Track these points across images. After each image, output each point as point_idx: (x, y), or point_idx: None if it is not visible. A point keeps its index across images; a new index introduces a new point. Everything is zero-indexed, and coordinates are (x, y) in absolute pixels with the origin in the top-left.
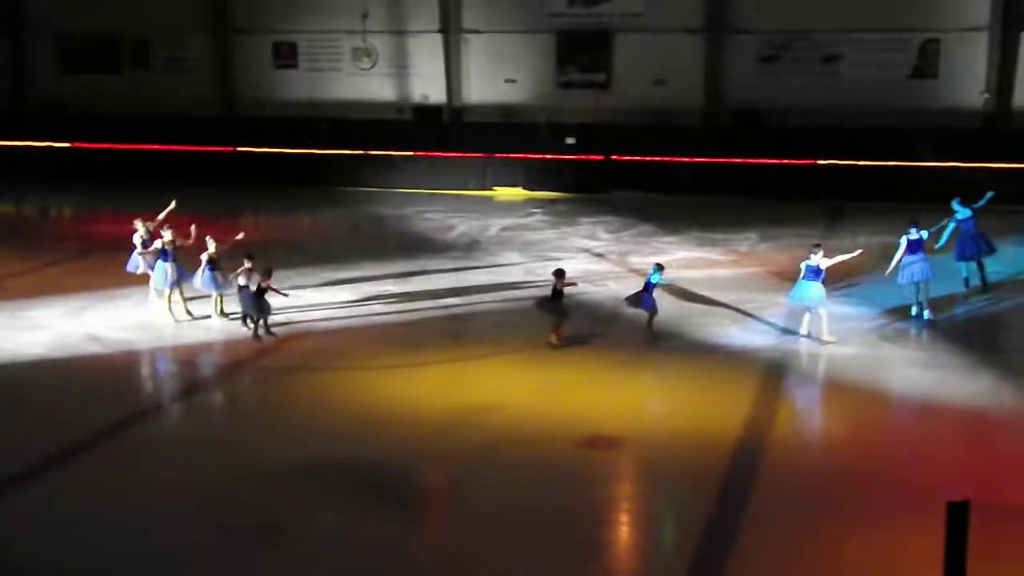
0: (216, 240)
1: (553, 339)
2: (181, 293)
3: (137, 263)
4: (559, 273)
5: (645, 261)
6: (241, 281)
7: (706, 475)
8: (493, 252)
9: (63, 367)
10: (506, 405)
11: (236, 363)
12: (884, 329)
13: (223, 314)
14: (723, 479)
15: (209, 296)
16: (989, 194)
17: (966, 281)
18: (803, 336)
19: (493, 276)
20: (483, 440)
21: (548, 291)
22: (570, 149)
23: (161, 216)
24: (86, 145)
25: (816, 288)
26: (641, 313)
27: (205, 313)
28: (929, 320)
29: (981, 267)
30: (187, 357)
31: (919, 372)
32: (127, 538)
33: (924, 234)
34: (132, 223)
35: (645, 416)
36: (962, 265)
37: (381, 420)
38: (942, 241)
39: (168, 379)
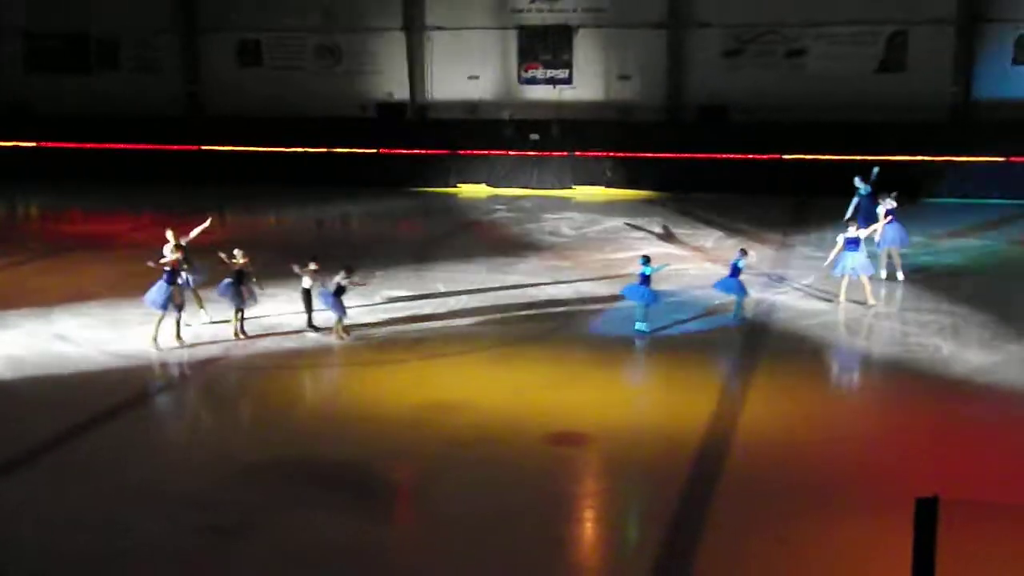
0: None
1: None
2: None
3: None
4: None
5: (610, 258)
6: (306, 283)
7: (672, 471)
8: (458, 250)
9: (30, 366)
10: (478, 402)
11: (203, 363)
12: (851, 322)
13: (241, 333)
14: (690, 475)
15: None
16: (875, 169)
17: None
18: (843, 301)
19: (461, 274)
20: (452, 437)
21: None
22: (534, 145)
23: (194, 232)
24: (53, 144)
25: (858, 257)
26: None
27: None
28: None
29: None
30: (157, 357)
31: (890, 365)
32: (94, 537)
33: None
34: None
35: (613, 413)
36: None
37: (350, 418)
38: (848, 214)
39: (136, 378)
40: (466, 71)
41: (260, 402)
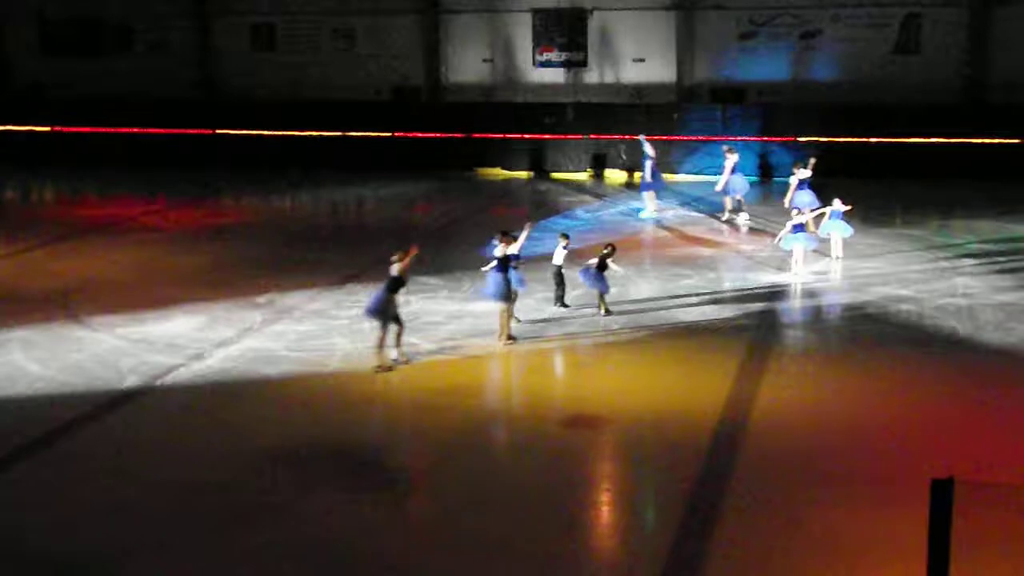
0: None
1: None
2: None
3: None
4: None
5: (625, 241)
6: (558, 260)
7: (689, 455)
8: (476, 233)
9: (43, 350)
10: (494, 387)
11: (220, 344)
12: (868, 306)
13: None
14: (707, 458)
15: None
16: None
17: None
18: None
19: (475, 258)
20: (464, 421)
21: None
22: (548, 128)
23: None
24: (67, 129)
25: (841, 224)
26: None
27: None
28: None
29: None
30: (172, 336)
31: (908, 349)
32: (112, 527)
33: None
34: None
35: (629, 397)
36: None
37: (367, 401)
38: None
39: (151, 356)
40: (481, 54)
41: (273, 387)
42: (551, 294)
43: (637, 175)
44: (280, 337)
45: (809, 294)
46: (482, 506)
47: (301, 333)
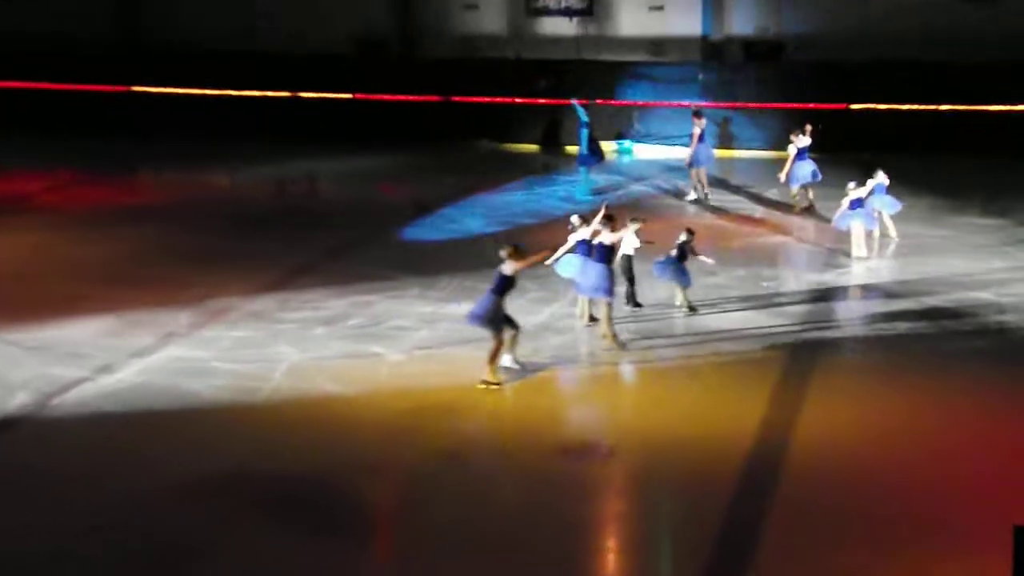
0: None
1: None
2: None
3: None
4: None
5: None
6: (628, 249)
7: (710, 492)
8: (455, 219)
9: None
10: (473, 406)
11: (135, 353)
12: (934, 311)
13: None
14: (731, 497)
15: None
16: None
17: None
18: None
19: (446, 255)
20: (445, 449)
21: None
22: (542, 93)
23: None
24: None
25: (888, 199)
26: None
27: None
28: None
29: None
30: (76, 343)
31: (983, 363)
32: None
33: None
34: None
35: (639, 421)
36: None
37: (321, 424)
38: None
39: (49, 368)
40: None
41: (210, 405)
42: (544, 292)
43: (656, 148)
44: (211, 345)
45: (865, 297)
46: (462, 553)
47: (237, 340)
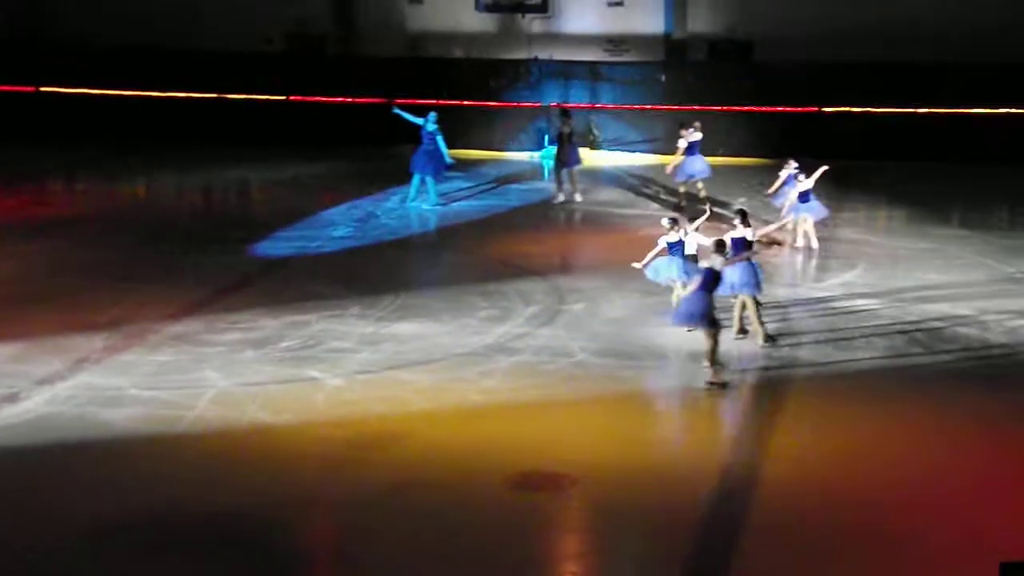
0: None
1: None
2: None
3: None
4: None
5: (597, 241)
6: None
7: (678, 524)
8: (397, 231)
9: None
10: (416, 434)
11: (42, 380)
12: (911, 325)
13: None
14: (700, 529)
15: None
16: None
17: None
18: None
19: (395, 267)
20: (385, 481)
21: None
22: (494, 95)
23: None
24: None
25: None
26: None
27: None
28: None
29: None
30: None
31: (963, 382)
32: None
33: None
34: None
35: (600, 448)
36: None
37: (251, 458)
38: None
39: None
40: None
41: (130, 438)
42: (495, 311)
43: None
44: (129, 370)
45: (837, 313)
46: None
47: (158, 365)
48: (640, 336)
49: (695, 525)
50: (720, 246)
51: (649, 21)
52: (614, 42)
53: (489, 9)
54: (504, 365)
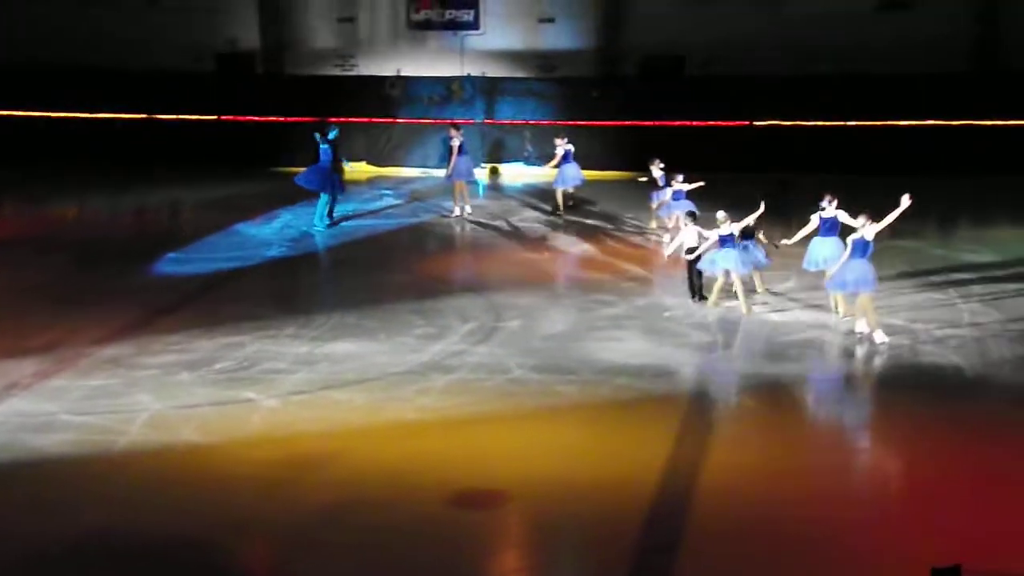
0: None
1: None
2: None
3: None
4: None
5: (532, 257)
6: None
7: (616, 539)
8: (332, 249)
9: None
10: (353, 454)
11: None
12: (846, 339)
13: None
14: (639, 543)
15: None
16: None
17: None
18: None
19: (330, 283)
20: (319, 502)
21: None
22: (427, 113)
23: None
24: None
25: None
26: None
27: None
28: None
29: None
30: None
31: (899, 395)
32: None
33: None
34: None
35: (537, 464)
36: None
37: (186, 480)
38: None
39: None
40: (338, 11)
41: (58, 462)
42: (432, 328)
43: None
44: (60, 395)
45: (770, 326)
46: None
47: (90, 390)
48: (577, 351)
49: (633, 537)
50: (864, 217)
51: (580, 37)
52: (546, 58)
53: (420, 27)
54: (440, 383)
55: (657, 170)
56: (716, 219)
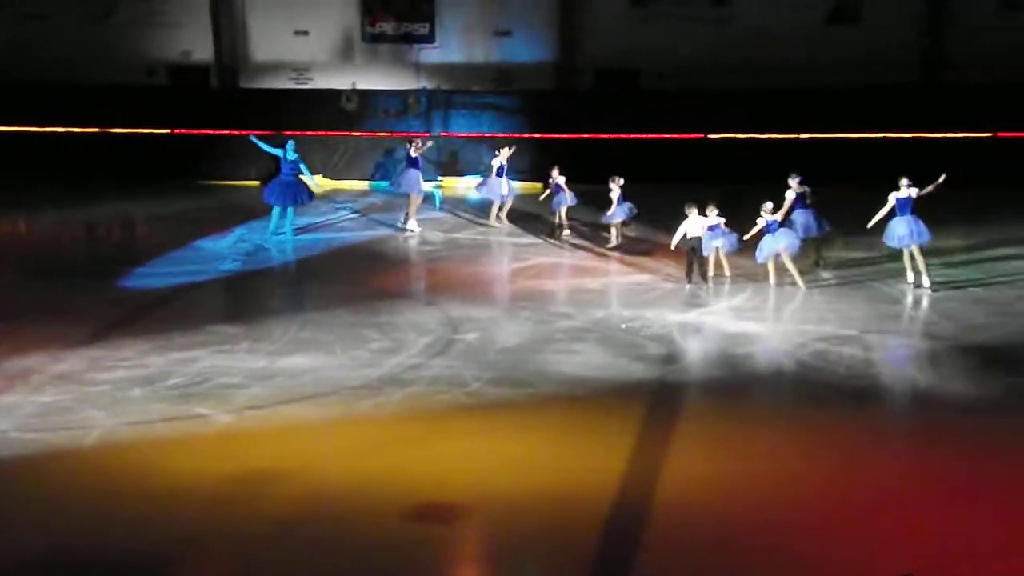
0: None
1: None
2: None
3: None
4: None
5: (490, 271)
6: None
7: (575, 550)
8: (287, 263)
9: None
10: (308, 469)
11: None
12: (799, 350)
13: None
14: (598, 555)
15: None
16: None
17: None
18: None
19: (286, 299)
20: (275, 517)
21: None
22: (383, 126)
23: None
24: None
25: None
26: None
27: None
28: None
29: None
30: None
31: (852, 405)
32: None
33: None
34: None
35: (494, 477)
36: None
37: (138, 497)
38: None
39: None
40: (292, 24)
41: (5, 484)
42: (388, 342)
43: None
44: (9, 413)
45: (725, 337)
46: None
47: (40, 407)
48: (534, 364)
49: (592, 549)
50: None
51: (537, 51)
52: (502, 71)
53: (376, 40)
54: (397, 397)
55: (616, 187)
56: (763, 209)
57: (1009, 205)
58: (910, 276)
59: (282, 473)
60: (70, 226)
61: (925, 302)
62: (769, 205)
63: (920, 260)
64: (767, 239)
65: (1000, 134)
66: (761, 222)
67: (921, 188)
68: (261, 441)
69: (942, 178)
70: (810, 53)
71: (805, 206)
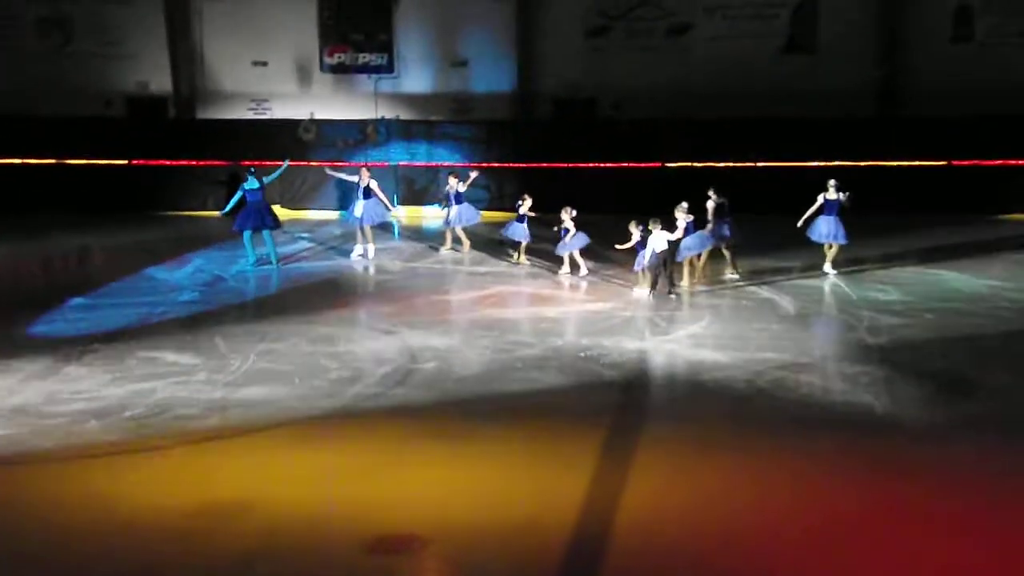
0: None
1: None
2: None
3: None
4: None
5: (447, 300)
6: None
7: None
8: (242, 296)
9: None
10: (267, 501)
11: None
12: (757, 376)
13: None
14: None
15: None
16: (284, 164)
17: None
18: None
19: (245, 327)
20: (231, 551)
21: None
22: (342, 156)
23: None
24: None
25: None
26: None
27: None
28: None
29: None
30: None
31: (810, 431)
32: None
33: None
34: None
35: (454, 506)
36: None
37: (93, 531)
38: (228, 207)
39: None
40: (251, 55)
41: None
42: (347, 372)
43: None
44: None
45: (683, 364)
46: None
47: None
48: (493, 392)
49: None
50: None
51: (494, 80)
52: (460, 101)
53: (334, 70)
54: (356, 427)
55: (568, 218)
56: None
57: (965, 230)
58: (826, 267)
59: (241, 505)
60: (26, 257)
61: (883, 329)
62: (685, 204)
63: (831, 254)
64: (685, 240)
65: (954, 162)
66: (680, 222)
67: (845, 194)
68: (219, 473)
69: (849, 194)
70: (767, 83)
71: (722, 218)
